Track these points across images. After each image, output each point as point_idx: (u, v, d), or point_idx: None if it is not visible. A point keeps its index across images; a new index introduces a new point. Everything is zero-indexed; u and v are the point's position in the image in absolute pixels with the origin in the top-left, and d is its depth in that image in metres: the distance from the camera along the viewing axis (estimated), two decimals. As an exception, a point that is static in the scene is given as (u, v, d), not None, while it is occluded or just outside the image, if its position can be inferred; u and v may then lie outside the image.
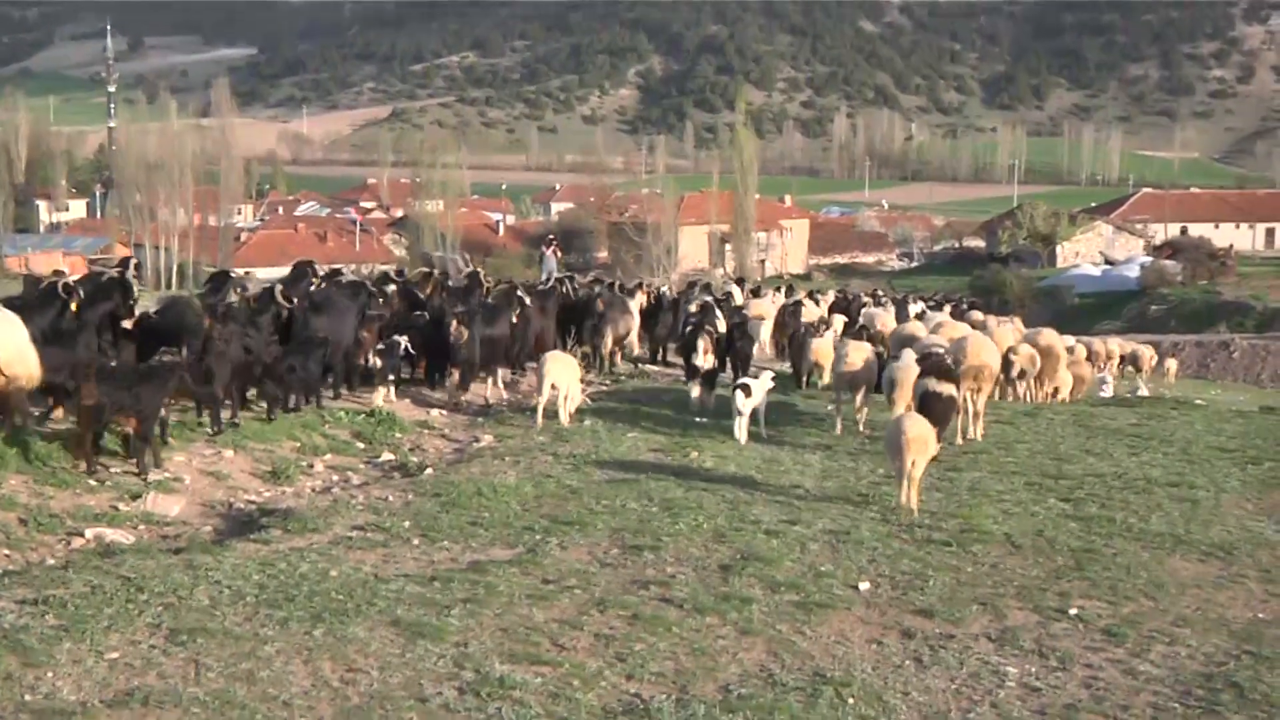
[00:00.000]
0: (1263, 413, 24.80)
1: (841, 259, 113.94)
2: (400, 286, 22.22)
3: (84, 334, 15.40)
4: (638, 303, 27.30)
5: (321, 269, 22.53)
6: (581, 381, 19.02)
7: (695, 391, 20.37)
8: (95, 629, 8.30)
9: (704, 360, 20.77)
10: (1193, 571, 11.46)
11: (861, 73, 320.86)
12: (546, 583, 10.13)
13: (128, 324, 16.62)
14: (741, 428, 17.60)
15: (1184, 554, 12.00)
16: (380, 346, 18.92)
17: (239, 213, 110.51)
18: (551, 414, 17.86)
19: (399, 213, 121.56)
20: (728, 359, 22.99)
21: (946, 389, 16.71)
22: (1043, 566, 11.36)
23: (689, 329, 22.64)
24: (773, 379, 18.89)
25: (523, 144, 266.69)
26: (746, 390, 17.65)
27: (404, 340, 19.05)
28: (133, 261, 17.05)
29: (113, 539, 11.14)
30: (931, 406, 16.22)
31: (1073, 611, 10.05)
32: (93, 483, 12.54)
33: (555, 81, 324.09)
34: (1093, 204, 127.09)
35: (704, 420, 19.10)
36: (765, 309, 31.11)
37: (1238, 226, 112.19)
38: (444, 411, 19.16)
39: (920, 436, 13.36)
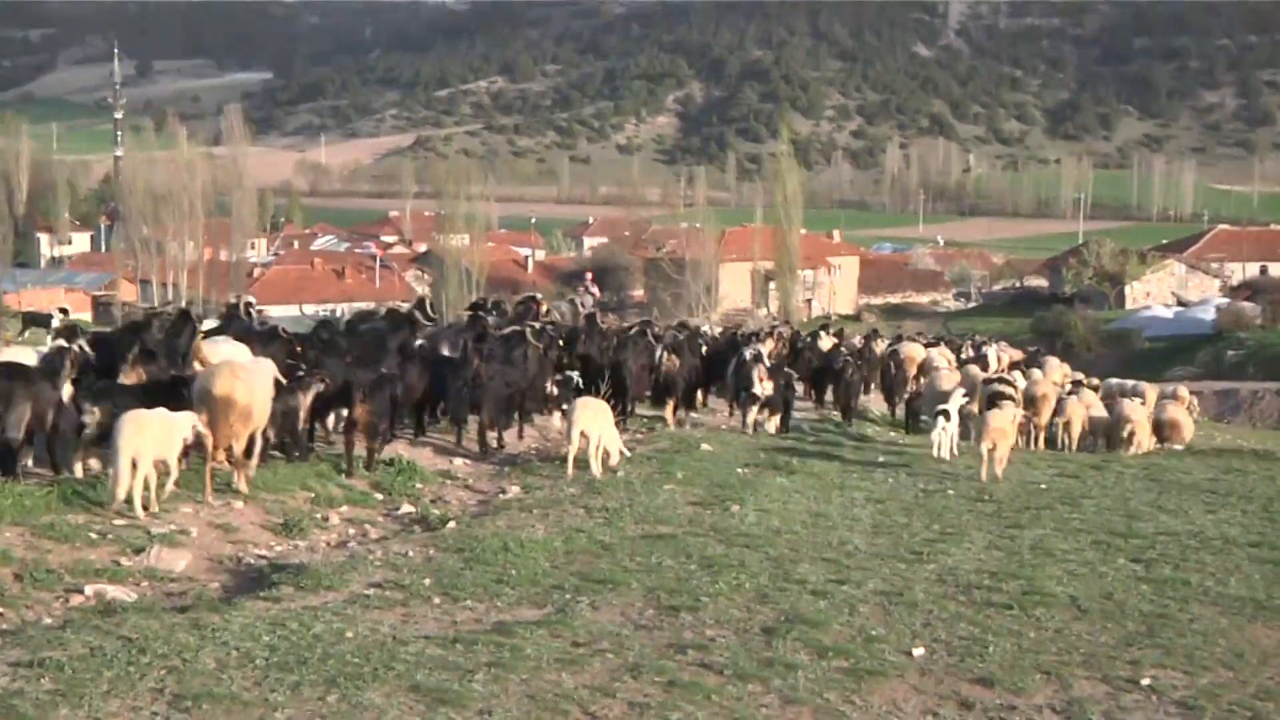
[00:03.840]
0: (1350, 467, 24.58)
1: (893, 299, 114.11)
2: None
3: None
4: (768, 349, 27.96)
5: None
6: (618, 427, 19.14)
7: (750, 417, 24.06)
8: (94, 694, 8.30)
9: (761, 389, 24.02)
10: (1275, 640, 11.35)
11: (915, 100, 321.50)
12: (577, 646, 10.09)
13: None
14: (943, 446, 21.59)
15: (1266, 621, 11.89)
16: (559, 378, 22.09)
17: (252, 247, 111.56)
18: (583, 464, 17.85)
19: (422, 247, 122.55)
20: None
21: (1008, 389, 23.73)
22: (1112, 633, 11.26)
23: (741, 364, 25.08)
24: (964, 396, 23.35)
25: (554, 174, 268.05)
26: (947, 415, 21.81)
27: (575, 375, 22.08)
28: (427, 300, 24.10)
29: (114, 596, 11.14)
30: (997, 403, 22.25)
31: (1145, 682, 9.95)
32: (94, 536, 12.58)
33: (589, 108, 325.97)
34: (1164, 241, 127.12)
35: (745, 471, 19.07)
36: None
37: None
38: (468, 461, 19.19)
39: (1001, 426, 19.48)
